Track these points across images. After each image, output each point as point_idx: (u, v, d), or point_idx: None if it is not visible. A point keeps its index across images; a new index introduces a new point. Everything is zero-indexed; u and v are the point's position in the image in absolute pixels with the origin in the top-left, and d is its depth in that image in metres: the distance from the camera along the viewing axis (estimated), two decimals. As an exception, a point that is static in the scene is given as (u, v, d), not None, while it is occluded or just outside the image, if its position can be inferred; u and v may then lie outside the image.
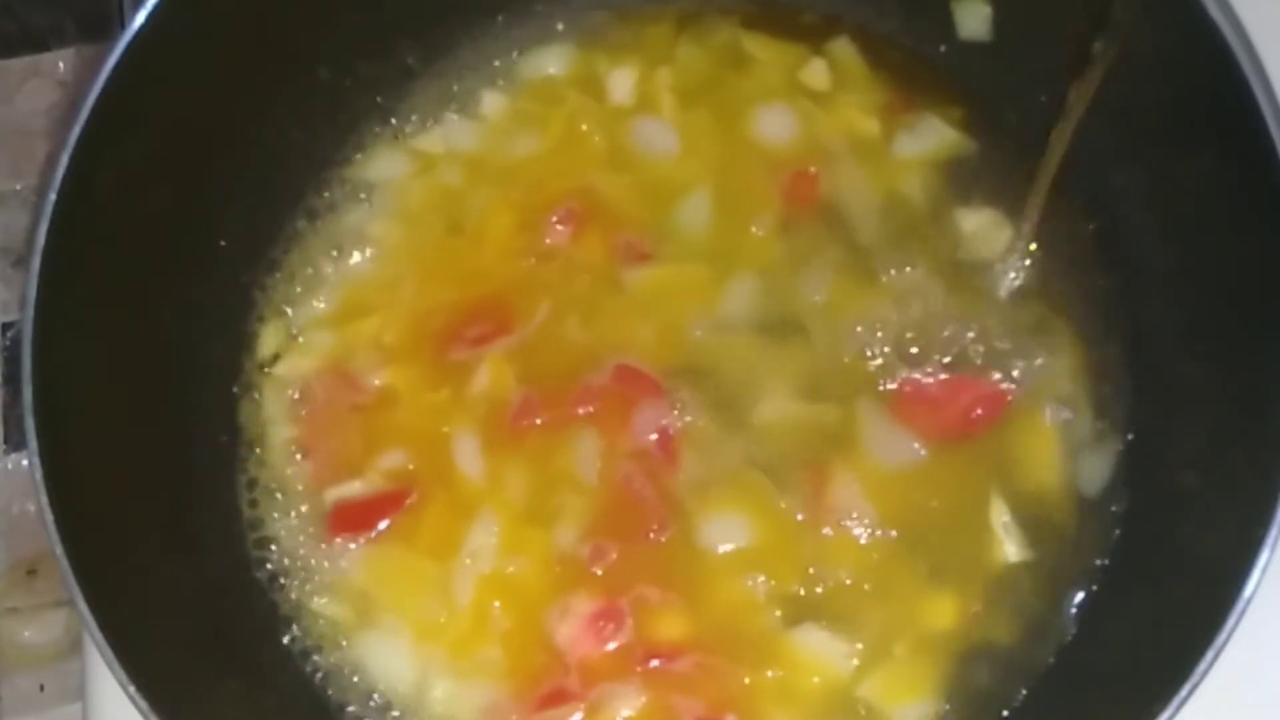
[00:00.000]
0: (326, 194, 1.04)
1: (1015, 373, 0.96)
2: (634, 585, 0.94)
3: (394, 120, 1.05)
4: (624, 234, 1.00)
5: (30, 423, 0.82)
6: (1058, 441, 0.96)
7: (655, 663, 0.92)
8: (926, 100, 1.02)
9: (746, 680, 0.92)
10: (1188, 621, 0.80)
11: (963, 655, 0.93)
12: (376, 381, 0.99)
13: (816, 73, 1.03)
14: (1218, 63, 0.82)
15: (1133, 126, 0.93)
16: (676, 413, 0.96)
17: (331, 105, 1.03)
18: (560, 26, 1.06)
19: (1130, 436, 0.96)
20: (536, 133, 1.04)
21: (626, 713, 0.92)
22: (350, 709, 0.95)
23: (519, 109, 1.05)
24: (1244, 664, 0.81)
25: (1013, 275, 0.99)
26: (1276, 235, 0.83)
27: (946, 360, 0.97)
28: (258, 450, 1.00)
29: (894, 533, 0.94)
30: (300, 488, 0.99)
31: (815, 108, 1.03)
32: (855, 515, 0.94)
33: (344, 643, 0.96)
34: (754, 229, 1.00)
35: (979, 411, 0.96)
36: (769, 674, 0.92)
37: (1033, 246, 0.99)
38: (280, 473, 0.99)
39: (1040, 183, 0.95)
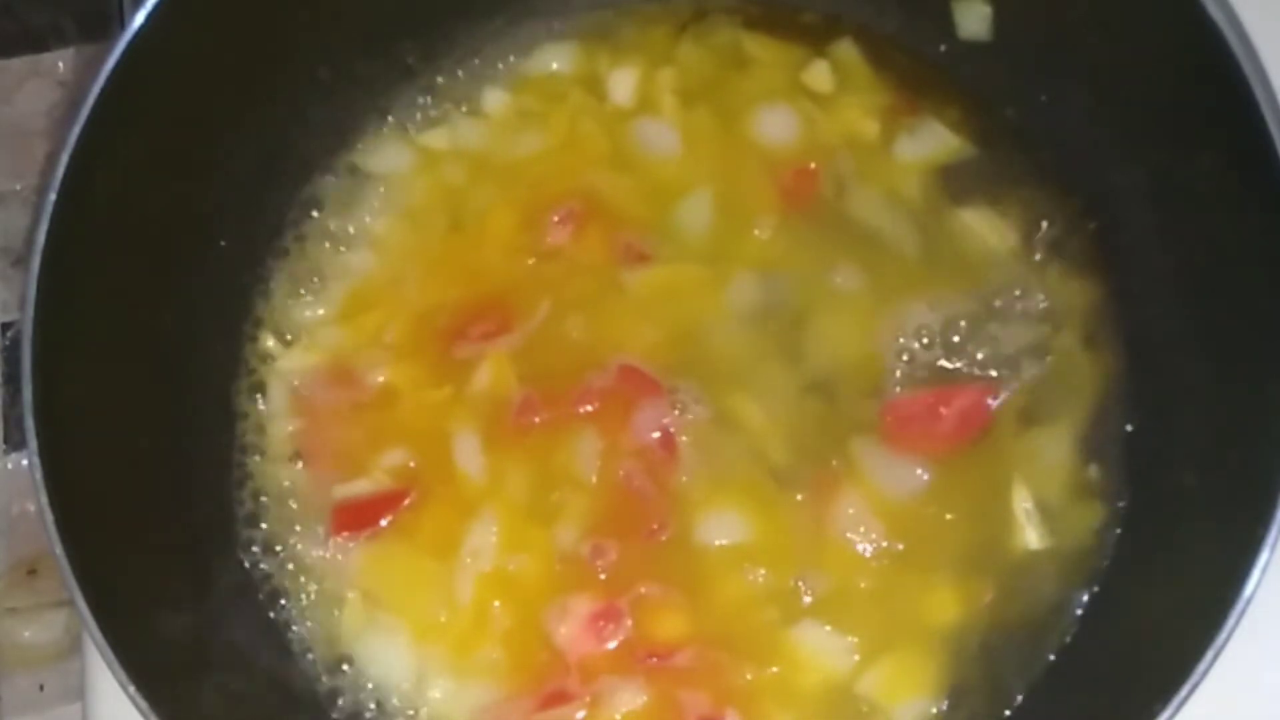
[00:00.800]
0: (326, 193, 1.04)
1: (1017, 374, 0.96)
2: (634, 584, 0.94)
3: (393, 118, 1.05)
4: (624, 234, 1.00)
5: (30, 423, 0.81)
6: (1060, 439, 0.96)
7: (656, 660, 0.92)
8: (928, 103, 1.02)
9: (748, 677, 0.92)
10: (1188, 621, 0.80)
11: (964, 652, 0.93)
12: (378, 379, 0.99)
13: (819, 74, 1.03)
14: (1218, 63, 0.82)
15: (1133, 126, 0.93)
16: (677, 412, 0.96)
17: (331, 105, 1.03)
18: (563, 25, 1.06)
19: (1131, 436, 0.96)
20: (539, 131, 1.04)
21: (628, 709, 0.92)
22: (351, 708, 0.95)
23: (522, 106, 1.05)
24: (1244, 664, 0.81)
25: (1012, 275, 0.99)
26: (1277, 236, 0.82)
27: (947, 365, 0.96)
28: (258, 449, 1.00)
29: (900, 545, 0.94)
30: (301, 487, 0.99)
31: (817, 109, 1.02)
32: (862, 531, 0.94)
33: (345, 642, 0.96)
34: (755, 230, 1.00)
35: (969, 418, 0.95)
36: (770, 670, 0.92)
37: (1032, 246, 0.99)
38: (281, 472, 0.99)
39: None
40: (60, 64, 1.31)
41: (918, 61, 1.03)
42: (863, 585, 0.93)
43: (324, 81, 1.01)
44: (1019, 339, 0.97)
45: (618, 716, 0.92)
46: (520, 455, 0.96)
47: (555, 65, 1.06)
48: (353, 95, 1.04)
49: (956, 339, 0.97)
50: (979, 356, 0.97)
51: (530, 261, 1.00)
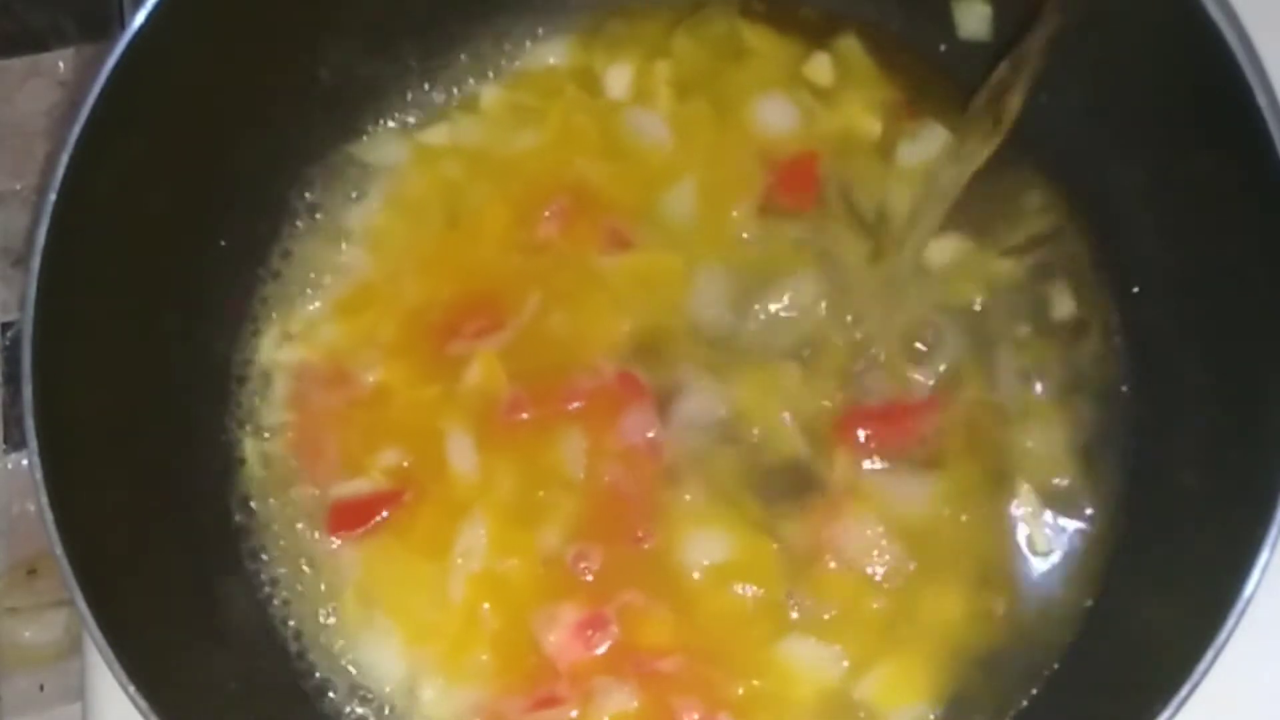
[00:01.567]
0: (326, 192, 1.04)
1: (1014, 375, 0.97)
2: (620, 590, 0.93)
3: (393, 116, 1.05)
4: (609, 219, 1.00)
5: (30, 423, 0.81)
6: (1059, 440, 0.96)
7: (645, 667, 0.92)
8: (931, 105, 1.01)
9: (739, 690, 0.92)
10: (1188, 621, 0.80)
11: (963, 656, 0.93)
12: (371, 378, 0.99)
13: (820, 67, 1.03)
14: (1218, 62, 0.82)
15: (1133, 126, 0.93)
16: (662, 418, 0.96)
17: (331, 104, 1.03)
18: (560, 22, 1.06)
19: (1131, 437, 0.96)
20: (535, 127, 1.04)
21: (619, 711, 0.92)
22: (346, 708, 0.95)
23: (518, 102, 1.05)
24: (1244, 664, 0.81)
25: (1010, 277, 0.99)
26: (1276, 235, 0.82)
27: (944, 368, 0.97)
28: (257, 449, 1.00)
29: (898, 550, 0.93)
30: (298, 486, 0.99)
31: (817, 102, 1.02)
32: (856, 537, 0.94)
33: (340, 641, 0.96)
34: (738, 221, 1.00)
35: (929, 423, 0.95)
36: (756, 683, 0.92)
37: (1031, 246, 0.99)
38: (279, 472, 0.99)
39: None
40: (60, 64, 1.31)
41: (918, 60, 1.03)
42: (860, 595, 0.93)
43: (324, 81, 1.01)
44: (1018, 341, 0.97)
45: (608, 714, 0.92)
46: (510, 453, 0.96)
47: (551, 60, 1.06)
48: (353, 94, 1.03)
49: (949, 342, 0.97)
50: (973, 359, 0.97)
51: (522, 257, 1.00)
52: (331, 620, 0.96)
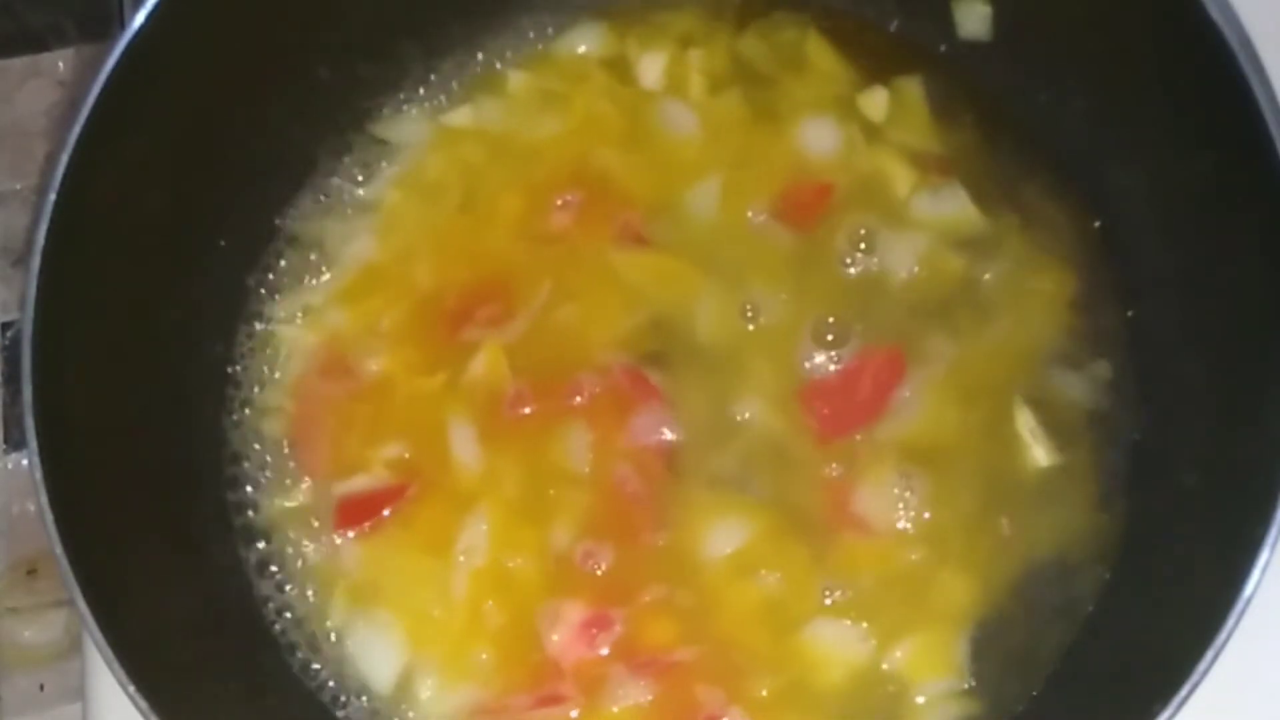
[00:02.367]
0: (326, 191, 1.04)
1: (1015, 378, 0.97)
2: (629, 588, 0.93)
3: (416, 95, 1.05)
4: (625, 214, 0.99)
5: (30, 423, 0.81)
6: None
7: (652, 665, 0.92)
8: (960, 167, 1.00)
9: (764, 684, 0.92)
10: (1188, 621, 0.80)
11: (979, 633, 0.93)
12: (374, 366, 0.99)
13: (876, 101, 1.01)
14: (1218, 63, 0.82)
15: (1133, 126, 0.93)
16: (672, 413, 0.96)
17: (332, 104, 1.03)
18: (595, 7, 1.05)
19: (1131, 436, 0.96)
20: (559, 113, 1.03)
21: (623, 708, 0.92)
22: (348, 706, 0.95)
23: (545, 87, 1.04)
24: (1244, 664, 0.81)
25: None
26: (1276, 236, 0.83)
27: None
28: (258, 448, 1.00)
29: (928, 515, 0.93)
30: (301, 484, 0.99)
31: (861, 137, 1.01)
32: (885, 505, 0.94)
33: (342, 639, 0.96)
34: (751, 224, 0.99)
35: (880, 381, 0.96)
36: (782, 675, 0.92)
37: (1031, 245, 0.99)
38: (280, 470, 0.99)
39: None
40: (60, 64, 1.31)
41: (918, 60, 1.03)
42: (880, 574, 0.93)
43: (324, 81, 1.01)
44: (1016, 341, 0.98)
45: (616, 708, 0.92)
46: (514, 448, 0.96)
47: (583, 48, 1.05)
48: (353, 95, 1.03)
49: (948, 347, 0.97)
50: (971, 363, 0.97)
51: (534, 245, 1.00)
52: (333, 617, 0.96)
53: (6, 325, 1.25)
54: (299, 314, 1.01)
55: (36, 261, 0.83)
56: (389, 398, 0.99)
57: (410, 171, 1.03)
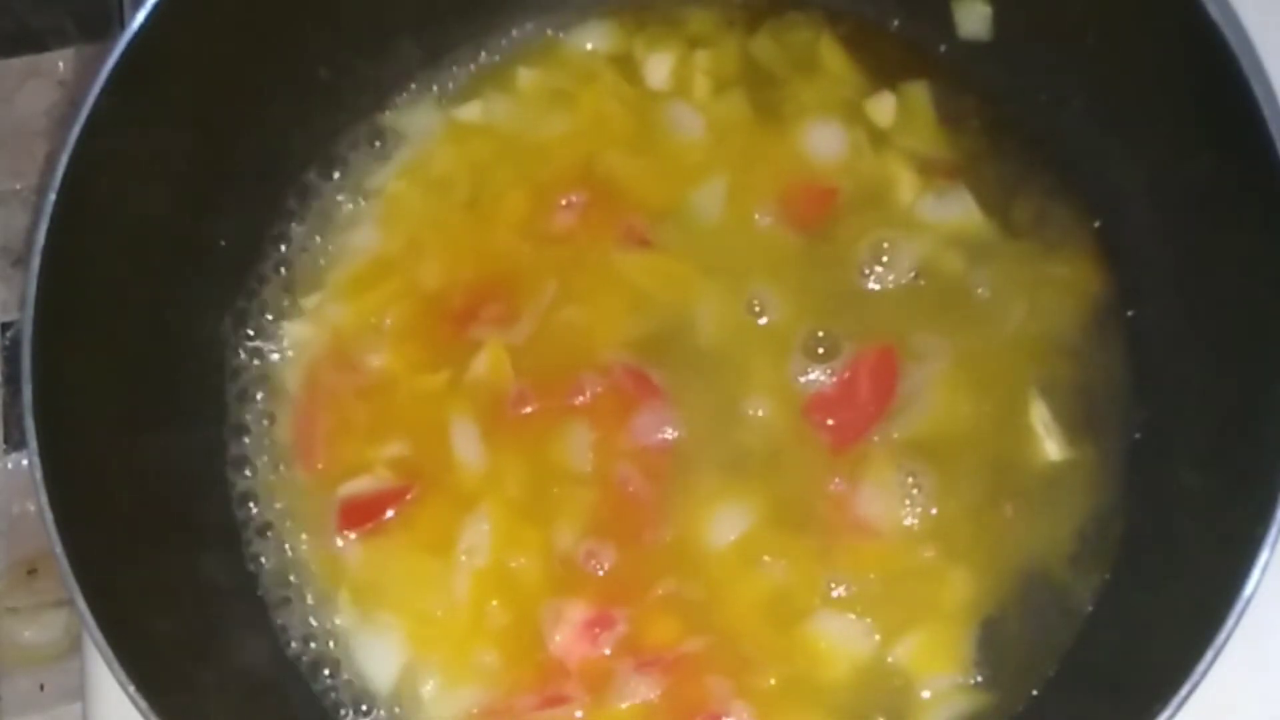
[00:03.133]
0: (327, 190, 1.04)
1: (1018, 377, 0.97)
2: (632, 587, 0.93)
3: (427, 88, 1.05)
4: (629, 217, 0.99)
5: (30, 423, 0.81)
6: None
7: (658, 662, 0.92)
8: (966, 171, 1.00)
9: (759, 677, 0.92)
10: (1188, 621, 0.80)
11: (985, 629, 0.93)
12: (377, 362, 0.99)
13: (883, 107, 1.01)
14: (1217, 62, 0.82)
15: (1133, 126, 0.93)
16: (675, 412, 0.96)
17: (331, 105, 1.03)
18: (604, 6, 1.05)
19: (1131, 436, 0.96)
20: (567, 111, 1.03)
21: (627, 705, 0.92)
22: (348, 707, 0.95)
23: (554, 85, 1.04)
24: (1244, 664, 0.81)
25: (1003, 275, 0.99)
26: (1277, 235, 0.83)
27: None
28: (258, 447, 1.00)
29: (934, 510, 0.93)
30: (302, 484, 0.99)
31: (868, 142, 1.01)
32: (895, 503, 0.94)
33: (343, 639, 0.96)
34: (756, 228, 0.99)
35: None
36: (788, 667, 0.92)
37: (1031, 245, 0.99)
38: (281, 469, 0.99)
39: None
40: (60, 64, 1.32)
41: (921, 64, 1.03)
42: (882, 571, 0.93)
43: (323, 81, 1.01)
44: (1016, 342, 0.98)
45: (623, 706, 0.92)
46: (516, 447, 0.96)
47: (590, 45, 1.05)
48: (353, 95, 1.03)
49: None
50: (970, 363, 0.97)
51: (538, 245, 1.00)
52: (334, 617, 0.96)
53: (6, 325, 1.25)
54: (301, 312, 1.01)
55: (36, 261, 0.83)
56: (391, 396, 0.99)
57: (418, 162, 1.03)
